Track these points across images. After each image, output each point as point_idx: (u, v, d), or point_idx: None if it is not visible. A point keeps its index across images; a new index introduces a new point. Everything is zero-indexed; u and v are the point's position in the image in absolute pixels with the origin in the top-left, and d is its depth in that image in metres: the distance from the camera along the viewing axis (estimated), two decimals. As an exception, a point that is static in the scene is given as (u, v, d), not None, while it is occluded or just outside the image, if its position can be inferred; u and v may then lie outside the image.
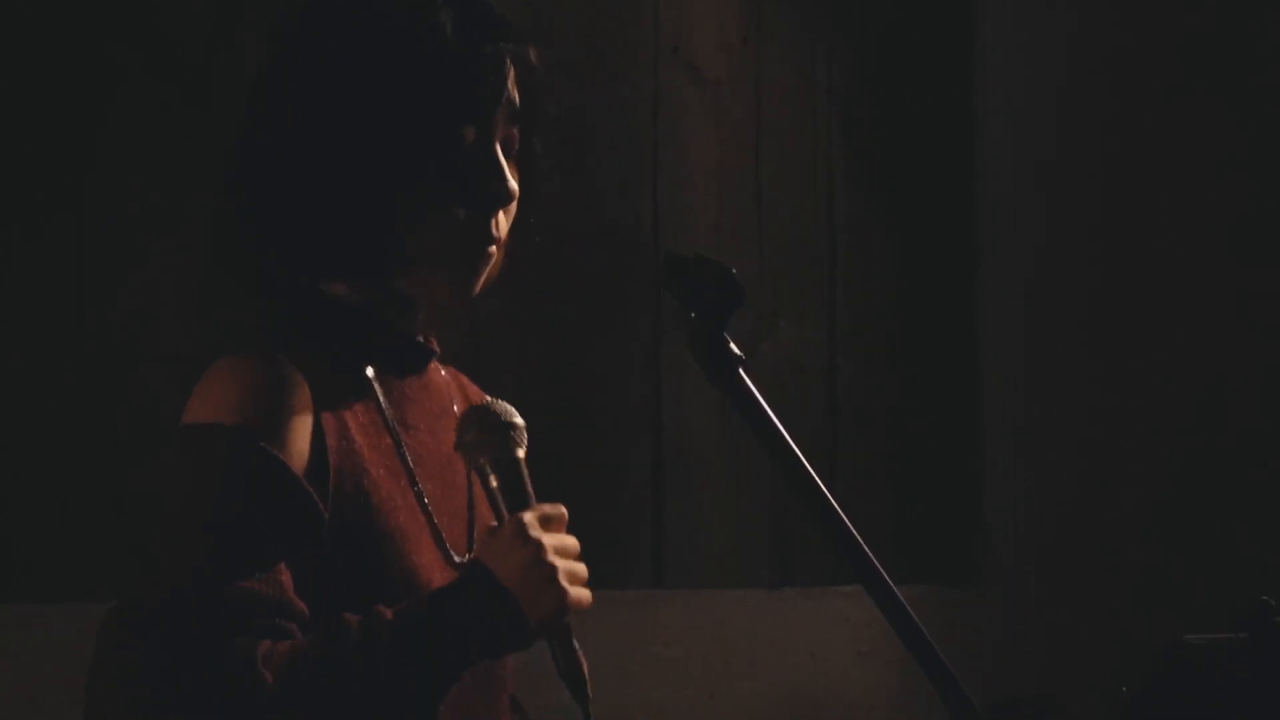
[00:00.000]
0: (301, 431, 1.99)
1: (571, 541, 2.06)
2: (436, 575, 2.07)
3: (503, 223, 2.13)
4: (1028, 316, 4.27)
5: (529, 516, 2.03)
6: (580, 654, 2.06)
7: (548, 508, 2.07)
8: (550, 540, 2.03)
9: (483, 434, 2.09)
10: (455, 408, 2.22)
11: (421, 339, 2.18)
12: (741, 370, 1.99)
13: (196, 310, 3.52)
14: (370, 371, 2.11)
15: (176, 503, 1.94)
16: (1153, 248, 4.29)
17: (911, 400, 4.23)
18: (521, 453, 2.09)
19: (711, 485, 4.00)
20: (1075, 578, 4.23)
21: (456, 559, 2.11)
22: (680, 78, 4.08)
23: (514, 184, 2.11)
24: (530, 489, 2.08)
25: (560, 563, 2.02)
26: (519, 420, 2.10)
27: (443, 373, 2.25)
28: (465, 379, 2.31)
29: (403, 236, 2.07)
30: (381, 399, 2.10)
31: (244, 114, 2.13)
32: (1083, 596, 4.21)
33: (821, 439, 4.12)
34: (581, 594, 2.04)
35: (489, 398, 2.25)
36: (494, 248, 2.13)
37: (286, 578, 1.96)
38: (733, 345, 2.00)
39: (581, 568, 2.05)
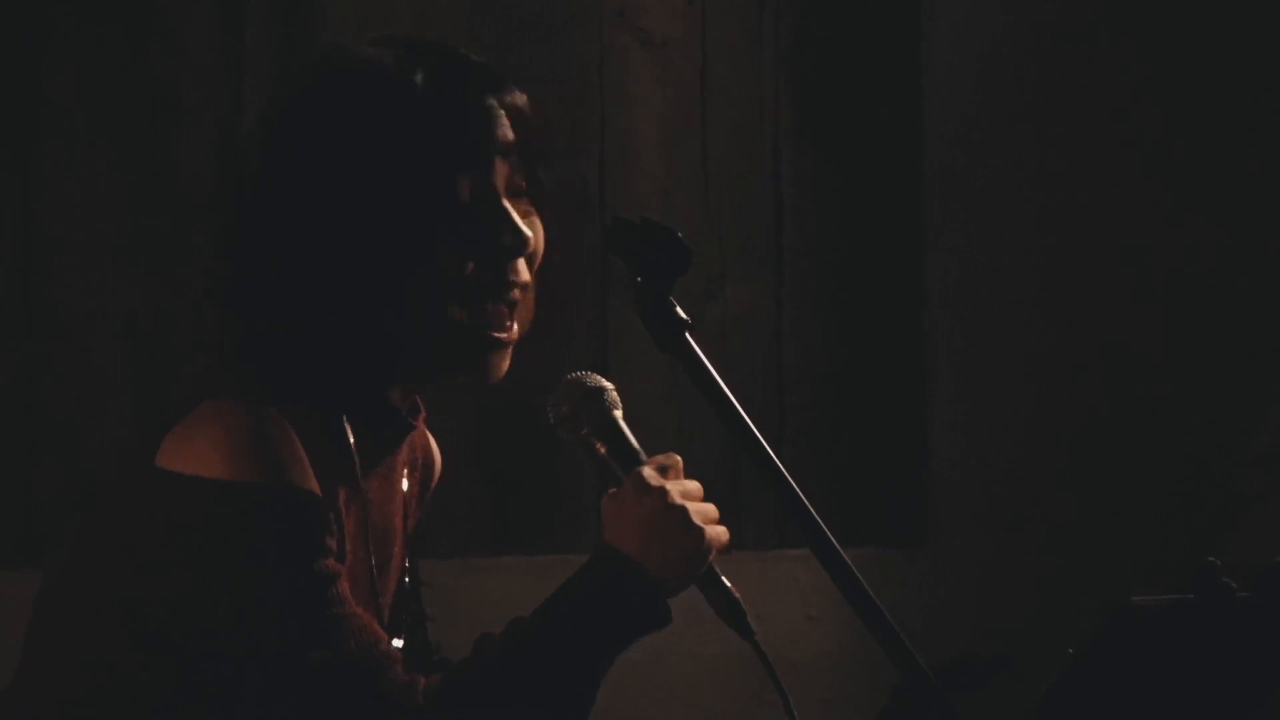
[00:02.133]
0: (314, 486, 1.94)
1: (694, 485, 2.02)
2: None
3: (522, 270, 2.05)
4: (975, 278, 4.28)
5: (646, 470, 2.01)
6: (734, 589, 2.04)
7: (661, 458, 2.03)
8: (673, 485, 1.99)
9: (577, 406, 2.06)
10: (403, 470, 2.14)
11: (407, 409, 2.08)
12: (688, 334, 1.99)
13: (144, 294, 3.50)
14: (351, 439, 2.01)
15: (252, 571, 1.87)
16: (1101, 211, 4.30)
17: (858, 362, 4.23)
18: (619, 414, 2.07)
19: (659, 449, 3.99)
20: (1022, 539, 4.24)
21: (394, 642, 2.06)
22: (627, 39, 4.06)
23: (526, 229, 2.03)
24: (638, 446, 2.05)
25: (690, 504, 1.99)
26: (608, 384, 2.08)
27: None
28: (426, 434, 2.21)
29: (415, 314, 1.98)
30: (358, 469, 2.02)
31: (234, 192, 2.05)
32: (1030, 558, 4.23)
33: (768, 401, 4.12)
34: (718, 531, 2.00)
35: (430, 437, 2.21)
36: (512, 322, 2.04)
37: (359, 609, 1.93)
38: (679, 309, 1.99)
39: (711, 508, 2.01)
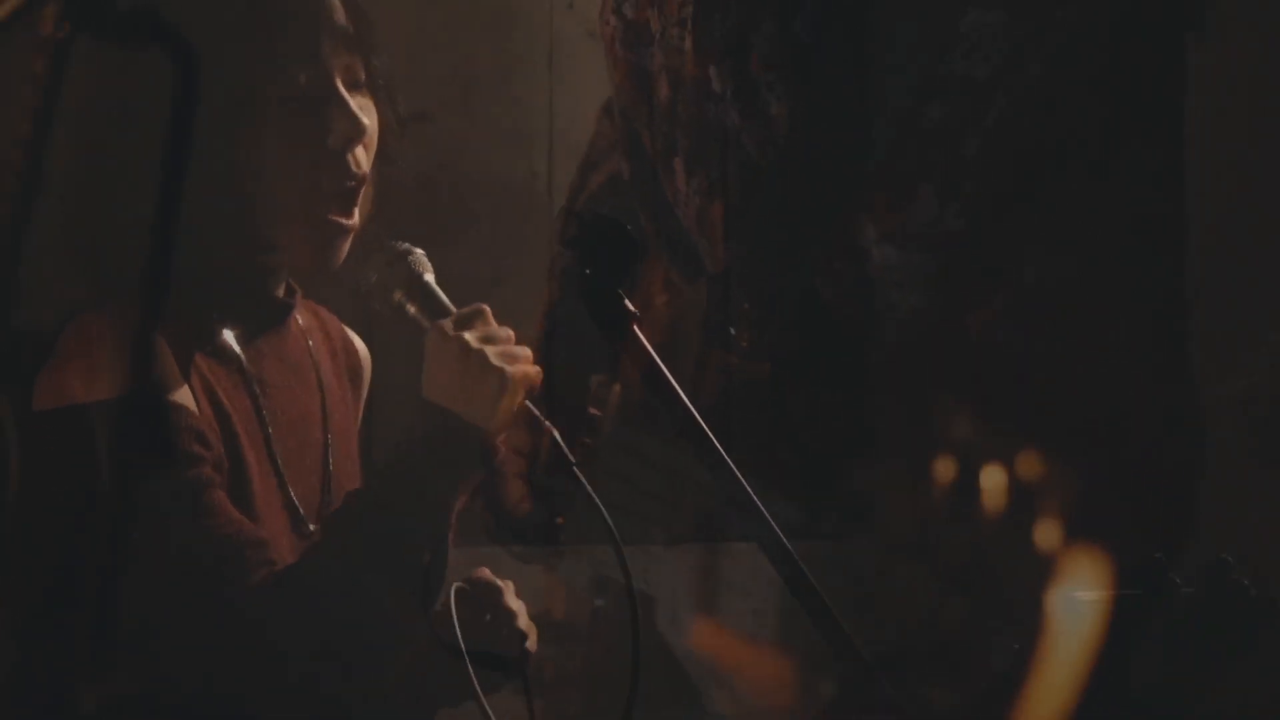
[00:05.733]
0: (183, 389, 1.96)
1: (502, 332, 2.05)
2: (284, 542, 2.05)
3: (362, 158, 2.06)
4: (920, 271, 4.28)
5: (443, 322, 2.02)
6: (550, 426, 2.07)
7: (465, 309, 2.06)
8: (473, 333, 1.99)
9: (384, 271, 2.08)
10: (312, 355, 2.17)
11: (281, 292, 2.11)
12: (635, 326, 1.99)
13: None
14: (228, 331, 2.05)
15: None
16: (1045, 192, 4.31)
17: (805, 353, 4.23)
18: (430, 277, 2.09)
19: (606, 441, 3.99)
20: (967, 532, 4.25)
21: (310, 527, 2.07)
22: (575, 31, 4.06)
23: (363, 118, 2.03)
24: (448, 301, 2.08)
25: (490, 347, 1.99)
26: (417, 250, 2.10)
27: (300, 320, 2.18)
28: (325, 312, 2.25)
29: (257, 196, 2.00)
30: (242, 358, 2.04)
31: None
32: (976, 551, 4.23)
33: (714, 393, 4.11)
34: (525, 370, 2.03)
35: (348, 330, 2.25)
36: (354, 209, 2.06)
37: (230, 506, 1.93)
38: (627, 301, 2.00)
39: (520, 350, 2.03)
